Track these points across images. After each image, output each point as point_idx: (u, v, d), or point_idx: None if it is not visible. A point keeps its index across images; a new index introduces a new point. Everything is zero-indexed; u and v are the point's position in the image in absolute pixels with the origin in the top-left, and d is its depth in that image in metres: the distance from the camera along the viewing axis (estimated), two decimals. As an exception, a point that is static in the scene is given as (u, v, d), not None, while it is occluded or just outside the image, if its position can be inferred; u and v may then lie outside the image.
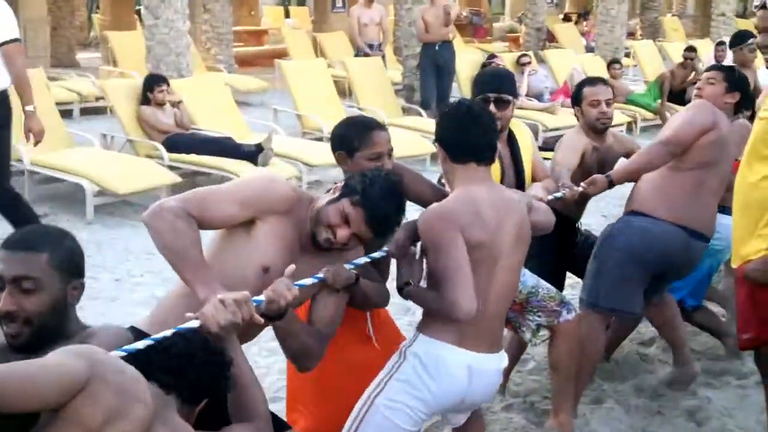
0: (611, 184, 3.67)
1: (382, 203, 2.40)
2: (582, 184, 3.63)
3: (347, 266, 2.52)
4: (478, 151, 2.59)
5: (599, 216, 6.60)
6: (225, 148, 7.28)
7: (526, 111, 10.12)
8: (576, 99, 4.02)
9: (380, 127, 2.86)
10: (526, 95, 10.63)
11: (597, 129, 3.95)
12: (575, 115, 4.06)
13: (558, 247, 3.87)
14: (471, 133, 2.59)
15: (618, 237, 3.66)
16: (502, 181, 3.36)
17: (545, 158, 3.76)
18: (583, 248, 3.98)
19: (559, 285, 3.89)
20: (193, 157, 7.24)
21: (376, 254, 2.63)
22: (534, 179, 3.52)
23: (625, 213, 3.78)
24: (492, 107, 3.27)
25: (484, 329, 2.62)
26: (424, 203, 2.85)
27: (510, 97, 3.35)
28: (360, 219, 2.39)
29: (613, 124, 4.04)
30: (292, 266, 2.31)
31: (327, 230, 2.41)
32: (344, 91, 11.35)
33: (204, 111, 8.14)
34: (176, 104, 7.68)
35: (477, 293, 2.51)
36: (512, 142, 3.44)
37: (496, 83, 3.37)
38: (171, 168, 7.14)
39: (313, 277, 2.43)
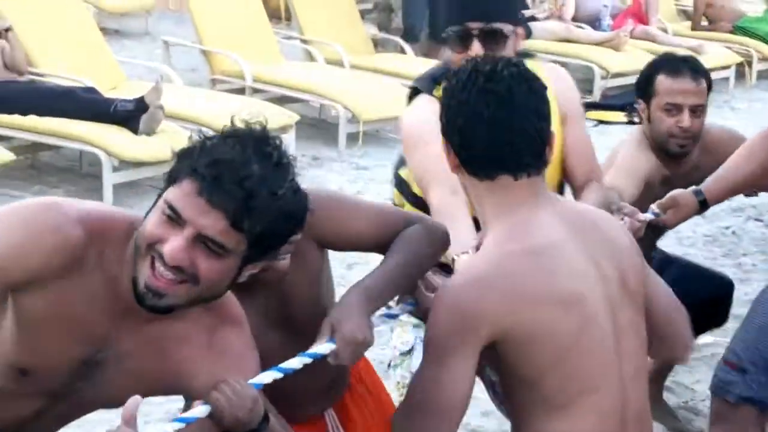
0: (704, 206, 3.63)
1: (225, 150, 2.12)
2: (654, 206, 3.59)
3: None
4: (510, 156, 2.37)
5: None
6: (85, 105, 7.15)
7: (573, 46, 10.14)
8: (643, 88, 3.93)
9: None
10: (574, 20, 10.65)
11: (669, 151, 3.91)
12: (639, 114, 3.99)
13: None
14: (497, 123, 2.34)
15: None
16: None
17: (601, 121, 3.68)
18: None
19: None
20: (32, 120, 7.11)
21: (292, 362, 2.35)
22: (568, 177, 3.36)
23: None
24: (476, 46, 3.08)
25: None
26: (363, 247, 2.71)
27: (510, 27, 3.13)
28: (192, 195, 2.10)
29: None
30: (136, 398, 2.10)
31: (150, 258, 2.14)
32: (278, 12, 11.32)
33: (50, 45, 8.03)
34: (2, 34, 7.62)
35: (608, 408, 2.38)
36: None
37: (480, 1, 3.16)
38: (-4, 138, 7.06)
39: (178, 419, 2.19)
